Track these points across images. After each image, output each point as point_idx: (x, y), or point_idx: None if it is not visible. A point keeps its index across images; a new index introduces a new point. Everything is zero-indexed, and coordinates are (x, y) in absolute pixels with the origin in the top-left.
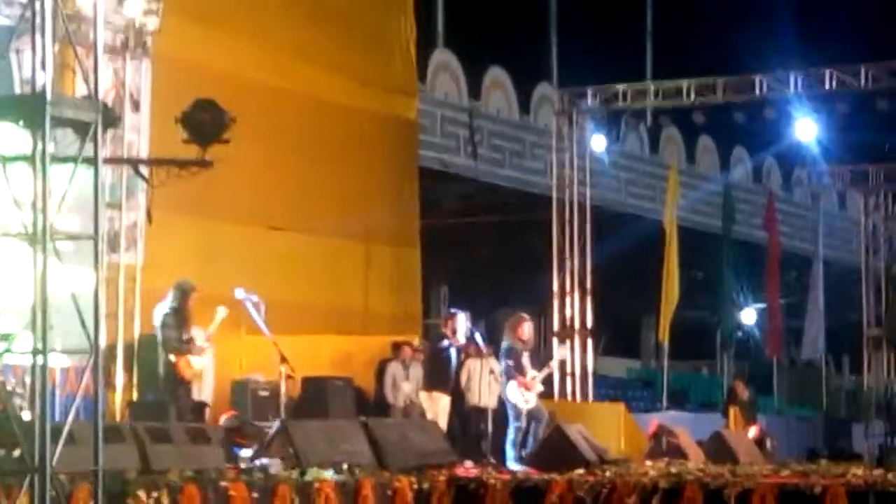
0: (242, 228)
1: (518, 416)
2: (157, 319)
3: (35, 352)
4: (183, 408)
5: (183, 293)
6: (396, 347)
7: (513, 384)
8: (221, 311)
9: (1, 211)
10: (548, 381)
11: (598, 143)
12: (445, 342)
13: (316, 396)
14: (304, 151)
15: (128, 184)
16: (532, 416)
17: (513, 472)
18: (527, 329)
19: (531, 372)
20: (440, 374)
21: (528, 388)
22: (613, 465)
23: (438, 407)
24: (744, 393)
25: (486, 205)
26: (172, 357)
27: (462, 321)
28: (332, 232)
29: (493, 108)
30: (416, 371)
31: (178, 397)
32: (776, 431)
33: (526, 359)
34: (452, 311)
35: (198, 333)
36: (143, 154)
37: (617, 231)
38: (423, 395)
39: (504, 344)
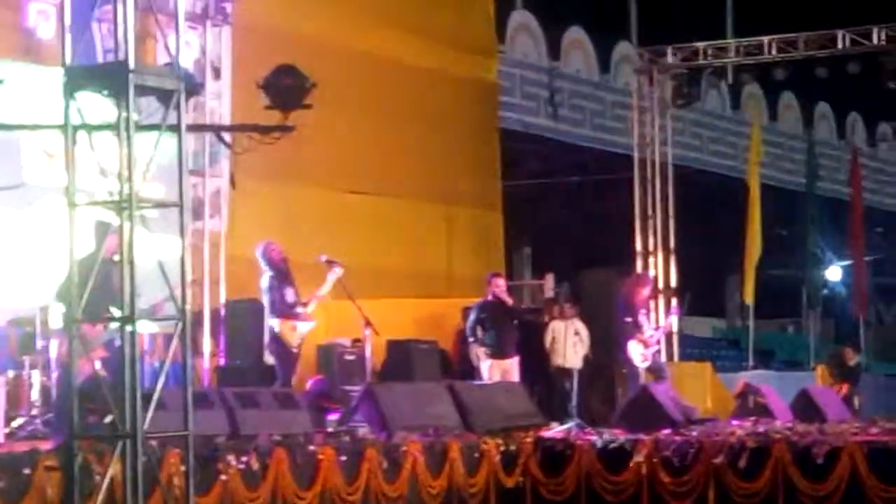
0: (325, 193)
1: (633, 375)
2: (263, 283)
3: (123, 319)
4: (287, 373)
5: (266, 254)
6: None
7: (632, 342)
8: (335, 273)
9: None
10: None
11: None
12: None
13: (401, 360)
14: (385, 115)
15: (211, 151)
16: (653, 373)
17: (599, 433)
18: (648, 288)
19: (649, 330)
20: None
21: (646, 346)
22: (700, 425)
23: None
24: (852, 359)
25: (568, 165)
26: (277, 321)
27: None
28: (414, 195)
29: (573, 68)
30: None
31: (283, 362)
32: (864, 389)
33: (643, 317)
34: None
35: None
36: (225, 121)
37: (699, 190)
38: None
39: (622, 302)
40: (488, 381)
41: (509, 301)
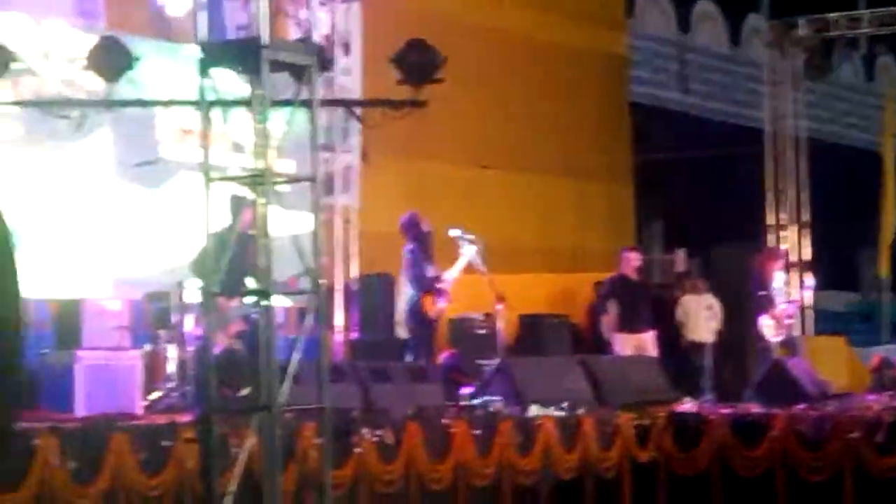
0: (455, 168)
1: (766, 349)
2: (404, 255)
3: (259, 293)
4: (423, 346)
5: (412, 225)
6: None
7: (765, 317)
8: (471, 248)
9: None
10: None
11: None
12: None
13: (532, 334)
14: (515, 89)
15: (341, 127)
16: (786, 347)
17: (733, 408)
18: (781, 263)
19: (781, 305)
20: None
21: (779, 320)
22: (835, 400)
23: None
24: None
25: (698, 139)
26: (418, 294)
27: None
28: (545, 170)
29: (704, 41)
30: None
31: (420, 336)
32: None
33: (774, 292)
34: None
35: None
36: (355, 97)
37: (832, 163)
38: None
39: (755, 276)
40: (620, 355)
41: (633, 277)
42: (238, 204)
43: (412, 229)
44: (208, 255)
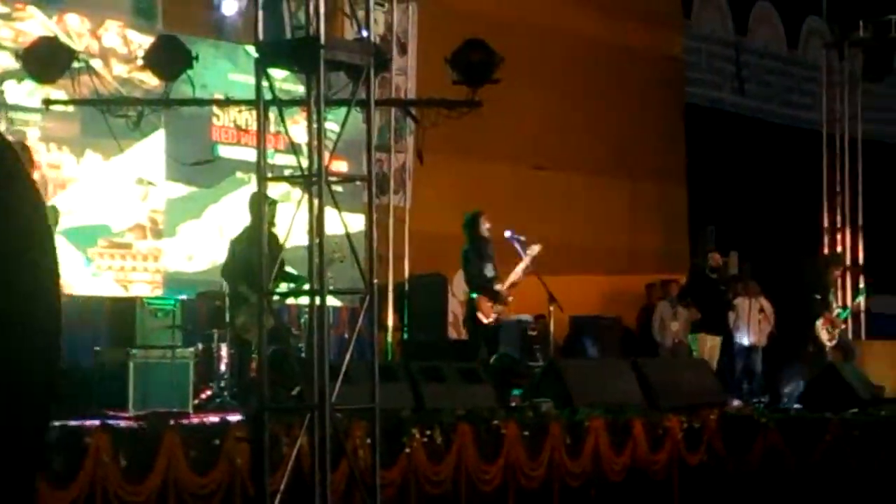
0: (510, 169)
1: (820, 353)
2: (463, 255)
3: (312, 292)
4: (476, 347)
5: (472, 225)
6: (665, 286)
7: (820, 321)
8: (532, 251)
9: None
10: None
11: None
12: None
13: (584, 335)
14: (570, 90)
15: (396, 126)
16: (840, 351)
17: (785, 411)
18: (840, 269)
19: (837, 309)
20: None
21: (834, 324)
22: (889, 405)
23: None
24: None
25: (754, 141)
26: (474, 294)
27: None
28: (599, 171)
29: (761, 43)
30: (685, 310)
31: (473, 336)
32: None
33: (832, 296)
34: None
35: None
36: (411, 97)
37: (889, 165)
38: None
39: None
40: (671, 357)
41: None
42: (258, 201)
43: (471, 229)
44: (262, 253)
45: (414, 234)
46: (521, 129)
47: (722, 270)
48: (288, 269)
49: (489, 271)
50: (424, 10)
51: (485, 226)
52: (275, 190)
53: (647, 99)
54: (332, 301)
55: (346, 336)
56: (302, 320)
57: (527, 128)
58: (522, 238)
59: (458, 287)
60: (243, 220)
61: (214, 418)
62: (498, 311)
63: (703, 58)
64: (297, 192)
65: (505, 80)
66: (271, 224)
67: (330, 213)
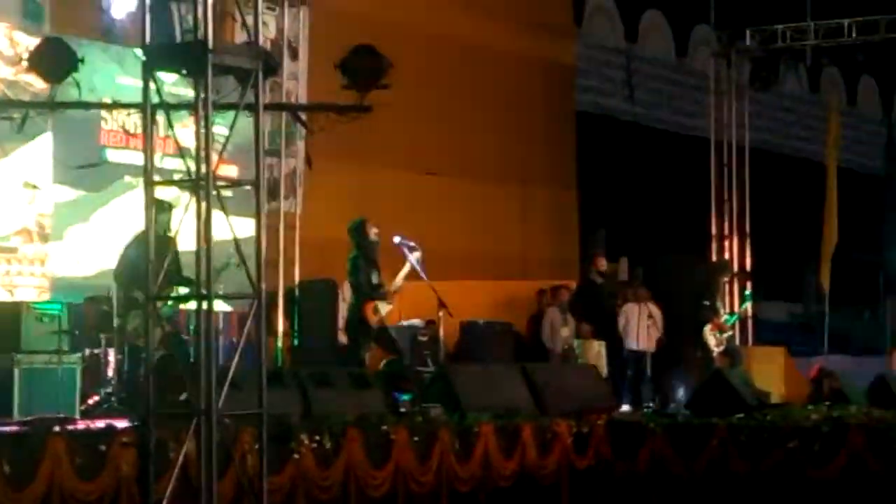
0: (400, 174)
1: (708, 359)
2: (349, 262)
3: (199, 297)
4: (362, 353)
5: (359, 232)
6: (555, 292)
7: (707, 327)
8: (414, 256)
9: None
10: None
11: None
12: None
13: (474, 341)
14: (461, 96)
15: (286, 131)
16: (727, 357)
17: (673, 416)
18: (728, 275)
19: (724, 315)
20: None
21: (722, 330)
22: (774, 410)
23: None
24: None
25: (645, 148)
26: (360, 301)
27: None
28: (489, 176)
29: (650, 51)
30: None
31: (361, 343)
32: None
33: (720, 302)
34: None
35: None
36: (301, 102)
37: (776, 174)
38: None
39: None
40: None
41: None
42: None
43: (357, 235)
44: (148, 258)
45: (304, 239)
46: (413, 135)
47: (610, 276)
48: (187, 274)
49: (375, 278)
50: (316, 14)
51: (372, 230)
52: (167, 194)
53: (539, 105)
54: (223, 306)
55: (236, 341)
56: (191, 326)
57: (418, 133)
58: (412, 243)
59: (349, 292)
60: (132, 224)
61: (101, 424)
62: (382, 318)
63: (594, 65)
64: (186, 197)
65: (395, 85)
66: (167, 229)
67: (220, 217)
